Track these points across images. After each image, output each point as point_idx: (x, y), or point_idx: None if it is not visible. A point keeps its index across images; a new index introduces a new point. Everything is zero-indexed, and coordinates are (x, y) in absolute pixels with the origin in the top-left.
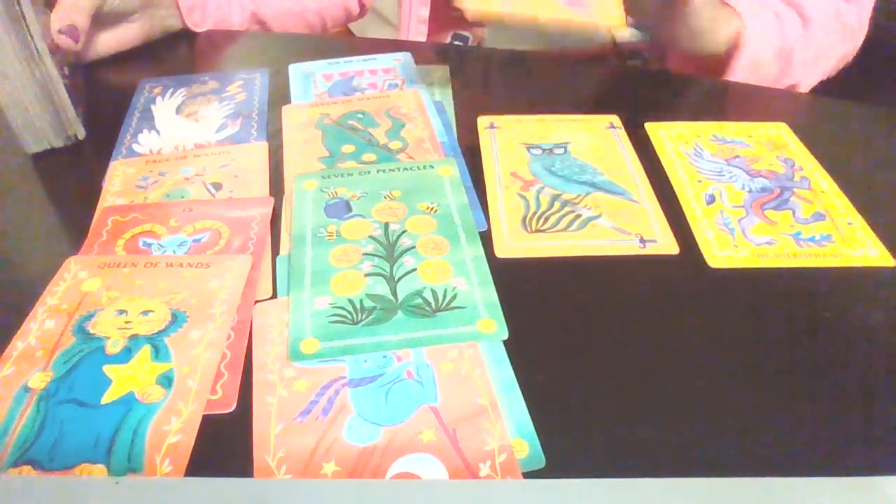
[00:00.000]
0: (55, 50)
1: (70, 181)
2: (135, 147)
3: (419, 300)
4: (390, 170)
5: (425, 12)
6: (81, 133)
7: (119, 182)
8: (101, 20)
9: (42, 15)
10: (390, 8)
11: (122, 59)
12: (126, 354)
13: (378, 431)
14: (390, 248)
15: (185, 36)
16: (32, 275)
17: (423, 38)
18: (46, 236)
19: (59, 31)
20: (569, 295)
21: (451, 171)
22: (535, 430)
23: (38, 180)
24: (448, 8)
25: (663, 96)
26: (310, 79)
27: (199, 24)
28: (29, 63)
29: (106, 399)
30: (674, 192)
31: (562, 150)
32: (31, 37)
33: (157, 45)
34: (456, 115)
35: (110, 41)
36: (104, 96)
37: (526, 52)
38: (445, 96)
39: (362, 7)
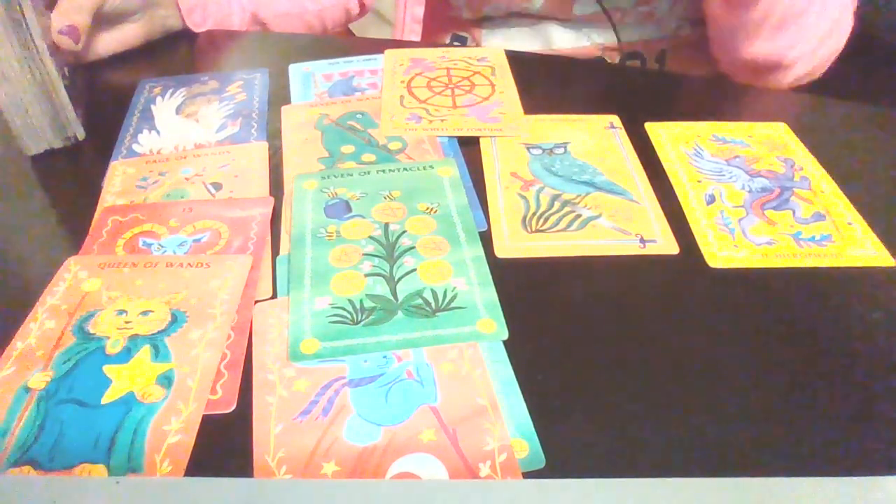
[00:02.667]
0: (55, 50)
1: (70, 181)
2: (135, 147)
3: (419, 300)
4: (390, 170)
5: (420, 11)
6: (81, 134)
7: (119, 182)
8: (102, 20)
9: (42, 15)
10: (390, 8)
11: (122, 59)
12: (126, 354)
13: (378, 431)
14: (390, 249)
15: (185, 36)
16: (32, 275)
17: (417, 39)
18: (46, 236)
19: (60, 32)
20: (569, 295)
21: (451, 171)
22: (535, 430)
23: (37, 181)
24: (445, 7)
25: (663, 96)
26: (310, 79)
27: (199, 25)
28: (29, 64)
29: (106, 399)
30: (674, 192)
31: (562, 150)
32: (32, 37)
33: (157, 45)
34: None
35: (110, 41)
36: (104, 96)
37: (525, 52)
38: None
39: (362, 7)
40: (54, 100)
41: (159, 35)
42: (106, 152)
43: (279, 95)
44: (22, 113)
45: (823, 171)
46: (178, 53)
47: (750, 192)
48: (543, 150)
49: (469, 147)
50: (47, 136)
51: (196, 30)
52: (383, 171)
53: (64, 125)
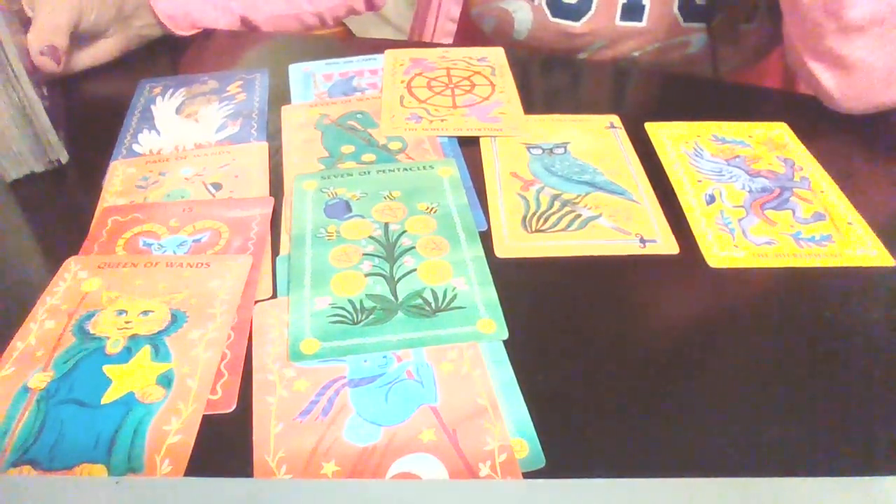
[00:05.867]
0: (32, 71)
1: (70, 182)
2: (135, 147)
3: (419, 300)
4: (390, 170)
5: (449, 41)
6: (64, 157)
7: (119, 182)
8: (76, 37)
9: (18, 35)
10: (391, 8)
11: (122, 59)
12: (126, 354)
13: (378, 431)
14: (390, 249)
15: (184, 36)
16: (32, 275)
17: None
18: (46, 236)
19: (41, 53)
20: (569, 295)
21: (451, 171)
22: (535, 430)
23: (38, 180)
24: (475, 31)
25: (663, 96)
26: (310, 79)
27: (185, 32)
28: (5, 86)
29: (106, 399)
30: (674, 192)
31: (562, 150)
32: (8, 59)
33: (157, 45)
34: None
35: (85, 58)
36: (103, 96)
37: (525, 52)
38: None
39: (372, 6)
40: (34, 123)
41: (136, 46)
42: (106, 152)
43: (279, 95)
44: (0, 137)
45: (823, 171)
46: (178, 53)
47: (750, 192)
48: (543, 150)
49: (469, 147)
50: (27, 160)
51: (184, 34)
52: (383, 171)
53: (45, 148)
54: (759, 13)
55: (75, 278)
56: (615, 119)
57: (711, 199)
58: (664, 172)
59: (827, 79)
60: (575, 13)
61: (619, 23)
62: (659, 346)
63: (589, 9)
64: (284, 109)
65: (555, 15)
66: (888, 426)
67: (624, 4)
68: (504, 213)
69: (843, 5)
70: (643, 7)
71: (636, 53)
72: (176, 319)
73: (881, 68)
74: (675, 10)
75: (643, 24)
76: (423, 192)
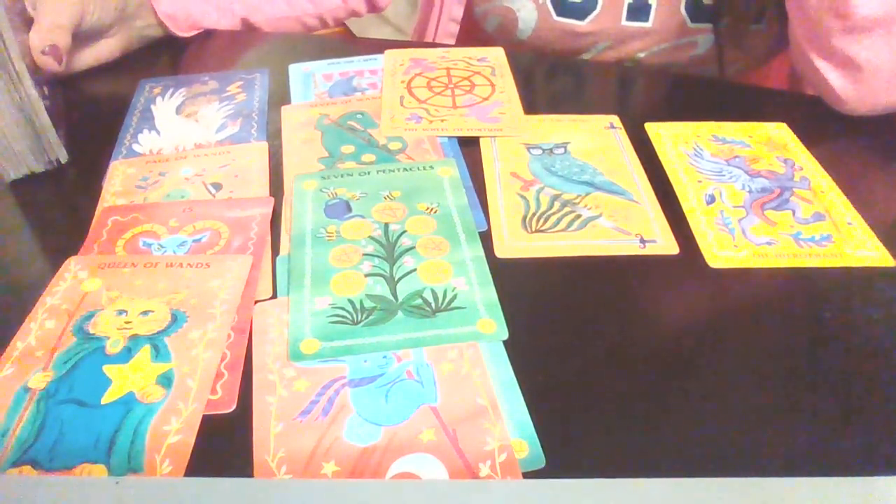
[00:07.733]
0: (34, 70)
1: (70, 182)
2: (135, 147)
3: (419, 300)
4: (390, 170)
5: (451, 42)
6: (64, 157)
7: (119, 182)
8: (78, 37)
9: (20, 34)
10: (391, 8)
11: (122, 59)
12: (126, 354)
13: (378, 431)
14: (390, 249)
15: (183, 36)
16: (32, 275)
17: None
18: (46, 236)
19: (43, 52)
20: (569, 295)
21: (451, 171)
22: (535, 430)
23: (38, 180)
24: (475, 32)
25: (663, 96)
26: (310, 79)
27: (185, 32)
28: (7, 85)
29: (106, 399)
30: (674, 192)
31: (562, 150)
32: (10, 58)
33: (157, 46)
34: None
35: (87, 57)
36: (104, 96)
37: (525, 52)
38: None
39: (374, 7)
40: (34, 122)
41: (137, 46)
42: (106, 152)
43: (279, 95)
44: (0, 137)
45: (823, 171)
46: (178, 53)
47: (750, 192)
48: (543, 150)
49: (469, 147)
50: (27, 160)
51: (185, 35)
52: (383, 171)
53: (45, 148)
54: (768, 14)
55: (75, 278)
56: (615, 119)
57: (711, 199)
58: (664, 172)
59: (834, 79)
60: (580, 12)
61: (624, 23)
62: (659, 347)
63: (594, 7)
64: (284, 109)
65: (559, 14)
66: (888, 426)
67: (630, 4)
68: (504, 213)
69: (849, 5)
70: (649, 7)
71: (642, 54)
72: (176, 319)
73: (887, 70)
74: (682, 9)
75: (649, 24)
76: (423, 192)
